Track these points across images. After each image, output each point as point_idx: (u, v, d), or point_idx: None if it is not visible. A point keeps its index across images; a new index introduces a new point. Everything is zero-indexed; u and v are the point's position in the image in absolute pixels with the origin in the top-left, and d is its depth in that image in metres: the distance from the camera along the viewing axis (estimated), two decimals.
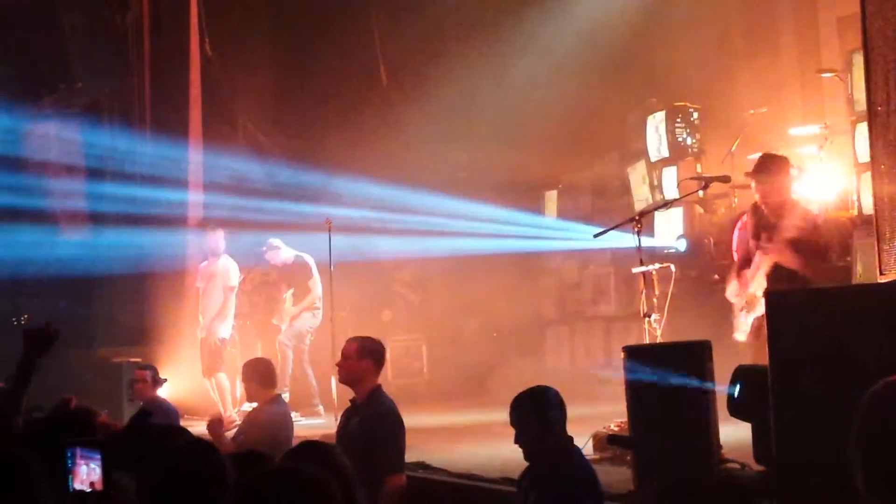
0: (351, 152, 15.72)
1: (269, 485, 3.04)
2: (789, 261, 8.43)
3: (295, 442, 8.63)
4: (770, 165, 8.88)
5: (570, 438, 6.18)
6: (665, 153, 13.92)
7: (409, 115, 15.76)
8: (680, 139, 13.85)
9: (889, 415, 2.92)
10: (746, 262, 8.84)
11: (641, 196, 14.16)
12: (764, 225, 8.70)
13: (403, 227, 15.43)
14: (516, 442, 6.15)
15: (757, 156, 9.52)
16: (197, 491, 3.71)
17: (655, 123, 14.11)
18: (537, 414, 6.09)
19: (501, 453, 9.15)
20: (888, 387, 2.97)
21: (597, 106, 14.81)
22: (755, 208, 9.00)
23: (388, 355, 8.59)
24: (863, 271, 9.95)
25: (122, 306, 16.14)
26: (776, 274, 8.44)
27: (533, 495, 6.01)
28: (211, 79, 16.73)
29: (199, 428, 12.07)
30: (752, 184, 8.94)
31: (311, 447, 4.65)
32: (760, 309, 8.04)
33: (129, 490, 4.02)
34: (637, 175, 14.36)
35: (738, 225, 9.34)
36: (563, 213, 15.66)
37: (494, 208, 14.92)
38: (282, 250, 14.04)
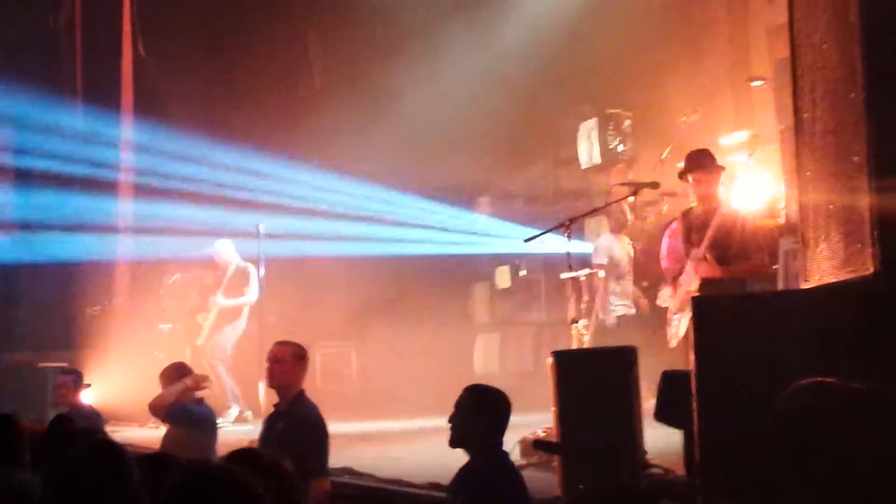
0: (282, 154, 15.64)
1: (199, 484, 3.01)
2: (715, 272, 8.53)
3: (220, 447, 8.61)
4: (702, 159, 8.97)
5: (506, 453, 6.16)
6: (597, 160, 13.97)
7: (341, 119, 15.68)
8: (612, 146, 13.91)
9: (798, 416, 2.94)
10: (679, 269, 8.89)
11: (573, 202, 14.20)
12: (696, 227, 8.78)
13: (334, 232, 15.39)
14: (451, 422, 6.01)
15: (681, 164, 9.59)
16: (99, 491, 3.66)
17: (588, 130, 14.16)
18: (496, 418, 6.03)
19: (430, 459, 9.12)
20: (799, 391, 2.98)
21: (529, 112, 14.85)
22: (685, 214, 9.06)
23: (317, 361, 8.57)
24: (789, 278, 10.04)
25: (49, 309, 15.92)
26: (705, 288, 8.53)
27: (461, 498, 5.97)
28: (144, 80, 16.57)
29: (125, 433, 11.97)
30: (690, 179, 8.95)
31: (249, 454, 4.56)
32: None
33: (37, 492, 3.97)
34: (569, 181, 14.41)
35: (668, 232, 9.39)
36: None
37: (427, 205, 14.93)
38: (228, 254, 14.00)
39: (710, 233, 8.68)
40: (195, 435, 8.60)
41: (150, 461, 4.16)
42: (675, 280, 8.93)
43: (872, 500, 2.96)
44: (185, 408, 8.87)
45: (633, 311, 11.87)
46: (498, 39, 14.96)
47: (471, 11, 15.20)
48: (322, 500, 7.19)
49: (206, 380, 9.34)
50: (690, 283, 8.67)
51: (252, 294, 13.60)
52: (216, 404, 12.71)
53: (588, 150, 14.10)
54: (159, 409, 9.01)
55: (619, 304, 11.86)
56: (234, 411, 13.45)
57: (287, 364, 7.67)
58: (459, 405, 6.03)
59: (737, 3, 14.37)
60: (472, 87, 14.79)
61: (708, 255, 8.62)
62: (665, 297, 8.96)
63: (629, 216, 12.18)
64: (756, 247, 8.85)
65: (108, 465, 3.75)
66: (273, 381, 7.80)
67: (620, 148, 13.88)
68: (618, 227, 12.12)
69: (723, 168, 9.28)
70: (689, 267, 8.74)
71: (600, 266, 11.93)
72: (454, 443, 6.03)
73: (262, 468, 3.96)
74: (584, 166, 14.08)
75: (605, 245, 12.04)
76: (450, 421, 6.02)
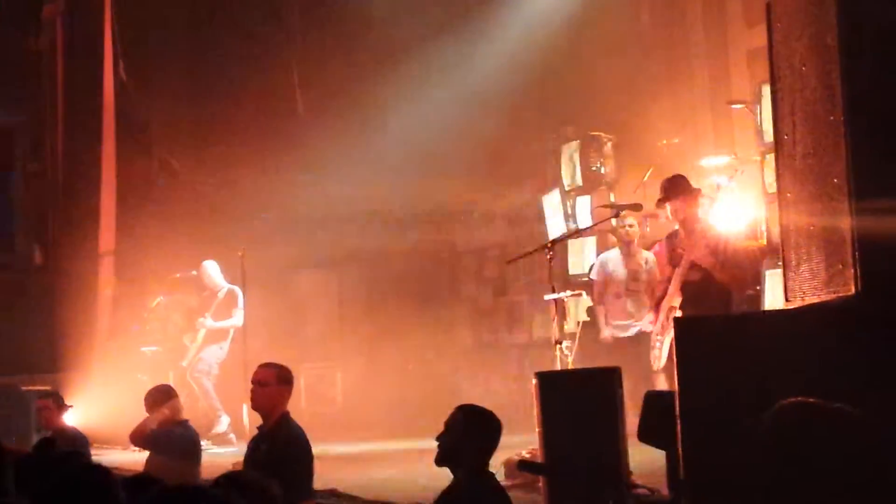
0: (266, 180, 15.67)
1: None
2: (703, 258, 8.54)
3: (204, 469, 8.60)
4: (675, 188, 9.07)
5: (491, 474, 6.15)
6: (579, 182, 14.02)
7: (325, 145, 15.72)
8: (594, 168, 13.96)
9: (779, 435, 2.97)
10: (662, 291, 8.93)
11: (555, 225, 14.24)
12: (679, 247, 8.84)
13: (318, 258, 15.42)
14: (440, 440, 5.95)
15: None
16: None
17: (570, 153, 14.21)
18: (487, 440, 5.99)
19: (414, 481, 9.13)
20: (783, 410, 3.02)
21: (512, 135, 14.91)
22: (670, 236, 9.13)
23: (301, 383, 8.55)
24: (772, 300, 10.10)
25: (32, 332, 15.88)
26: (690, 286, 8.54)
27: None
28: (126, 104, 16.57)
29: (110, 456, 11.94)
30: (668, 207, 9.06)
31: (237, 476, 4.56)
32: None
33: None
34: (551, 204, 14.43)
35: (654, 252, 9.45)
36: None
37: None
38: (214, 276, 14.01)
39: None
40: (177, 460, 8.58)
41: (135, 483, 4.17)
42: (658, 304, 8.97)
43: None
44: (167, 433, 8.83)
45: (633, 330, 11.27)
46: (480, 62, 15.02)
47: (453, 34, 15.26)
48: None
49: (180, 410, 9.23)
50: (669, 303, 8.71)
51: (238, 318, 13.60)
52: (203, 423, 12.75)
53: (570, 172, 14.15)
54: (139, 438, 8.97)
55: (618, 322, 11.55)
56: (224, 420, 13.43)
57: (271, 387, 7.64)
58: (451, 424, 5.98)
59: (716, 27, 14.48)
60: (455, 109, 14.83)
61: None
62: (646, 322, 9.00)
63: (635, 230, 11.81)
64: (739, 266, 8.91)
65: (95, 486, 3.76)
66: (256, 404, 7.77)
67: (603, 170, 13.93)
68: (624, 244, 11.85)
69: (699, 191, 9.36)
70: (672, 289, 8.79)
71: (591, 282, 11.89)
72: (441, 461, 5.98)
73: (250, 491, 3.99)
74: (567, 188, 14.12)
75: (599, 261, 11.93)
76: (438, 439, 5.97)
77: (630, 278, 11.48)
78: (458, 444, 5.93)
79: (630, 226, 11.52)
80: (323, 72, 16.70)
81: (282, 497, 4.26)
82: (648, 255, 11.40)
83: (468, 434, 5.94)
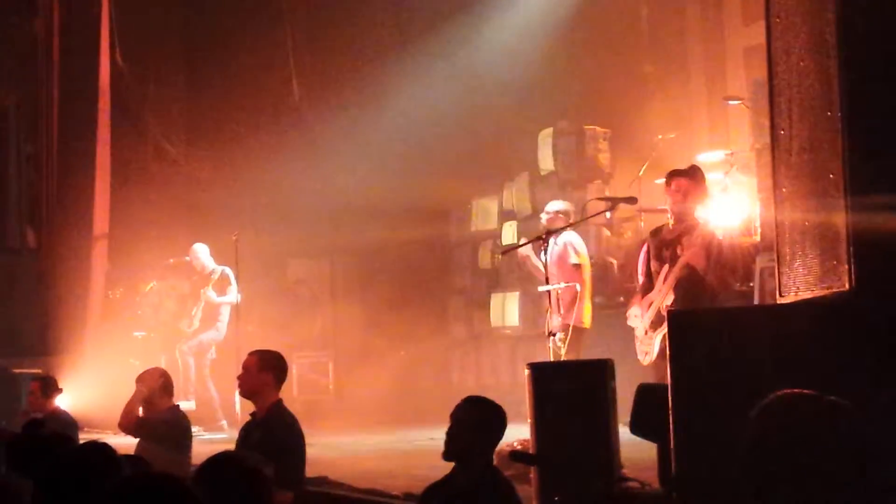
0: (260, 166, 15.66)
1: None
2: (698, 259, 8.50)
3: (195, 456, 8.58)
4: (691, 168, 8.98)
5: (497, 468, 6.12)
6: (574, 176, 14.02)
7: (320, 134, 15.72)
8: (589, 162, 13.97)
9: (772, 426, 2.97)
10: (649, 286, 8.90)
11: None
12: (666, 244, 8.79)
13: (312, 246, 15.41)
14: (451, 434, 5.84)
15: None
16: (90, 491, 3.68)
17: (565, 145, 14.20)
18: (496, 432, 5.96)
19: (406, 470, 9.14)
20: (776, 401, 3.02)
21: (507, 128, 14.91)
22: (655, 232, 9.08)
23: (293, 371, 8.53)
24: (764, 295, 10.11)
25: (24, 315, 15.87)
26: (682, 284, 8.52)
27: None
28: (121, 88, 16.54)
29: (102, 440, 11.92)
30: (672, 185, 8.84)
31: (222, 460, 4.54)
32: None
33: (24, 491, 4.03)
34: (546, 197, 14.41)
35: (644, 249, 9.43)
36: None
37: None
38: (203, 258, 14.02)
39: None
40: (166, 447, 8.52)
41: (133, 461, 4.19)
42: (644, 295, 8.95)
43: None
44: (154, 420, 8.76)
45: None
46: (476, 55, 15.02)
47: (449, 27, 15.26)
48: None
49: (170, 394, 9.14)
50: (664, 297, 8.69)
51: (233, 295, 13.61)
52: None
53: (566, 165, 14.15)
54: (128, 426, 8.89)
55: None
56: (190, 405, 13.44)
57: (251, 373, 7.66)
58: (462, 418, 5.87)
59: (714, 24, 14.51)
60: (451, 100, 14.84)
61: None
62: (633, 316, 8.97)
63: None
64: (727, 267, 8.87)
65: (100, 465, 3.77)
66: (241, 389, 7.85)
67: (597, 164, 13.93)
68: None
69: (706, 189, 9.23)
70: (664, 273, 8.75)
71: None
72: (452, 455, 5.87)
73: (243, 471, 3.99)
74: (561, 182, 14.12)
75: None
76: (449, 433, 5.86)
77: None
78: (472, 438, 5.83)
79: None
80: (321, 60, 16.69)
81: (272, 480, 4.26)
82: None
83: (482, 428, 5.87)
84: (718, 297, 8.87)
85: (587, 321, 10.48)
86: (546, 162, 14.44)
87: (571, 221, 10.72)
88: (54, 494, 3.77)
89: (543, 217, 10.89)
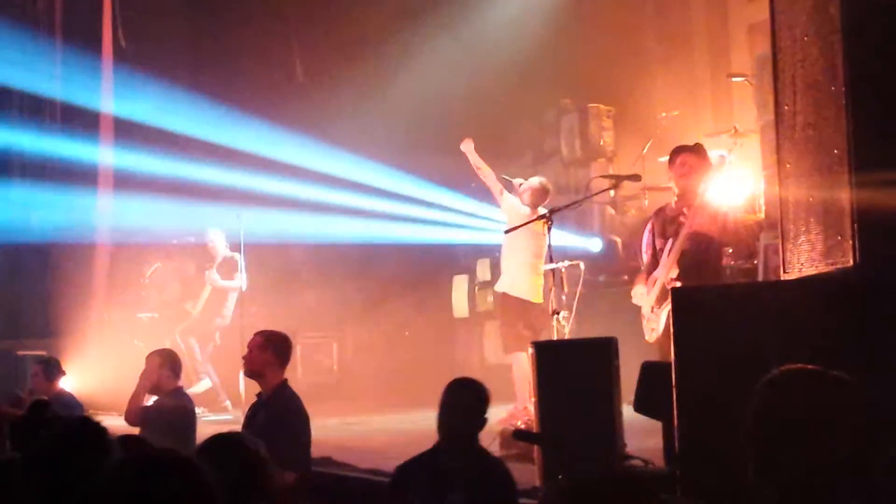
0: (264, 149, 15.64)
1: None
2: (706, 227, 8.43)
3: (199, 437, 8.57)
4: (696, 146, 8.92)
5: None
6: (578, 154, 14.00)
7: (322, 112, 15.67)
8: (592, 140, 13.94)
9: (777, 400, 2.96)
10: (654, 263, 8.86)
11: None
12: (670, 221, 8.74)
13: (316, 223, 15.38)
14: (452, 420, 5.94)
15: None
16: (80, 468, 3.68)
17: (569, 124, 14.18)
18: (482, 416, 6.04)
19: (411, 450, 9.13)
20: (781, 375, 3.01)
21: (511, 106, 14.86)
22: (660, 210, 9.04)
23: (297, 352, 8.52)
24: (769, 272, 10.08)
25: (28, 296, 15.86)
26: (687, 256, 8.46)
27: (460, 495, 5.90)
28: (125, 70, 16.50)
29: (106, 422, 11.91)
30: (677, 162, 8.79)
31: (221, 440, 4.55)
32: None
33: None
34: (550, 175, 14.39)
35: (648, 227, 9.39)
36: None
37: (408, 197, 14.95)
38: (219, 244, 14.01)
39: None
40: (171, 433, 8.49)
41: (130, 441, 4.20)
42: (649, 274, 8.91)
43: (842, 484, 2.98)
44: (158, 408, 8.73)
45: None
46: (479, 35, 14.97)
47: (452, 6, 15.20)
48: (284, 492, 7.11)
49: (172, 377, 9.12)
50: (668, 271, 8.64)
51: (239, 280, 13.62)
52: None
53: (569, 144, 14.12)
54: (134, 417, 8.82)
55: None
56: (203, 384, 13.46)
57: (255, 352, 7.70)
58: (459, 401, 5.97)
59: (717, 1, 14.44)
60: (453, 80, 14.80)
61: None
62: (638, 294, 8.92)
63: None
64: (738, 235, 8.85)
65: (90, 443, 3.78)
66: (244, 369, 7.88)
67: (601, 142, 13.90)
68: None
69: (710, 165, 9.18)
70: (668, 247, 8.70)
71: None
72: (454, 440, 5.97)
73: (240, 450, 4.00)
74: (565, 160, 14.11)
75: None
76: (450, 419, 5.95)
77: None
78: (475, 420, 5.96)
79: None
80: (323, 38, 16.64)
81: (263, 454, 4.26)
82: None
83: (480, 410, 5.98)
84: (722, 273, 8.84)
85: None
86: (550, 140, 14.44)
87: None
88: (41, 469, 3.77)
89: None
